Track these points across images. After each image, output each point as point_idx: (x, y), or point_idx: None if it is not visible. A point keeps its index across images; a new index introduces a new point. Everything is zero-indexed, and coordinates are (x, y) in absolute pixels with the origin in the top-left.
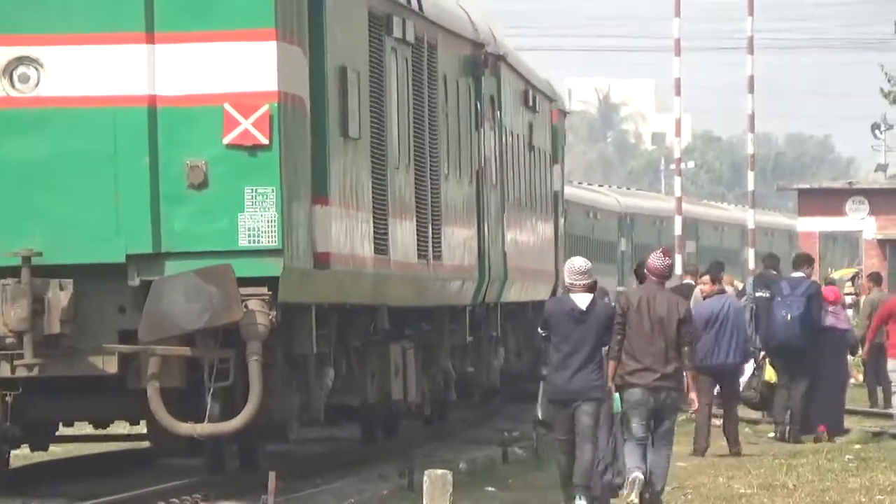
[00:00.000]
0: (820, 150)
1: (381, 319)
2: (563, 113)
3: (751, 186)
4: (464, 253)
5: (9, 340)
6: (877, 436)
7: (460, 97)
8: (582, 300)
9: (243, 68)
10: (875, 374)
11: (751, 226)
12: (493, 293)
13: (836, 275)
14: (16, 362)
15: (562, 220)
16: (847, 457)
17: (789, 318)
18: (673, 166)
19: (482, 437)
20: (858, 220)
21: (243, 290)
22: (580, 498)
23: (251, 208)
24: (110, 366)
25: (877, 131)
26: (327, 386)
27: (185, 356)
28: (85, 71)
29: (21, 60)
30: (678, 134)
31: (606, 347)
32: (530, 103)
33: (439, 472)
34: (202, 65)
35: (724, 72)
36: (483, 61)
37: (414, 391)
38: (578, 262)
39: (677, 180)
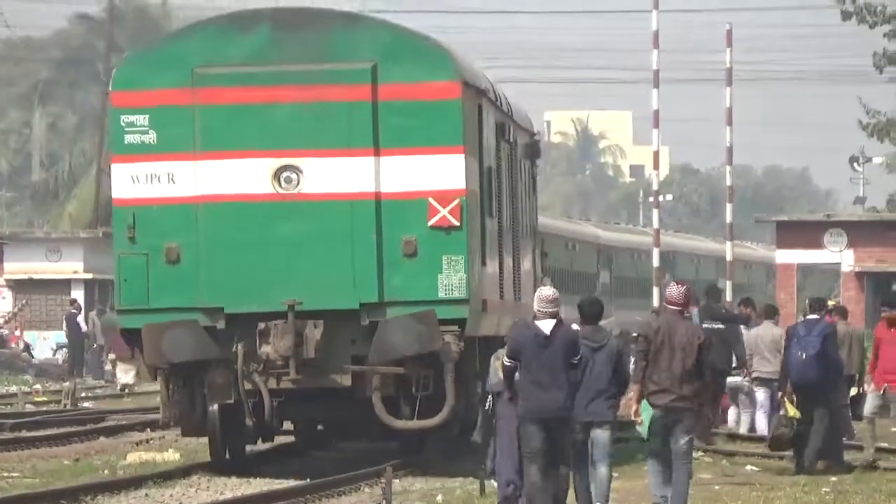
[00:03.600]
0: (798, 183)
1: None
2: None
3: (729, 219)
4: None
5: (279, 363)
6: (854, 468)
7: (525, 175)
8: (546, 326)
9: (442, 173)
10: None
11: (728, 258)
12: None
13: None
14: (282, 378)
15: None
16: (824, 489)
17: (804, 357)
18: (651, 199)
19: (459, 470)
20: (836, 253)
21: (442, 328)
22: None
23: (447, 270)
24: (346, 381)
25: (855, 164)
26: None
27: (399, 373)
28: (331, 175)
29: (286, 168)
30: (656, 166)
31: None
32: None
33: None
34: (413, 170)
35: (703, 104)
36: (537, 149)
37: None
38: (547, 291)
39: (655, 213)
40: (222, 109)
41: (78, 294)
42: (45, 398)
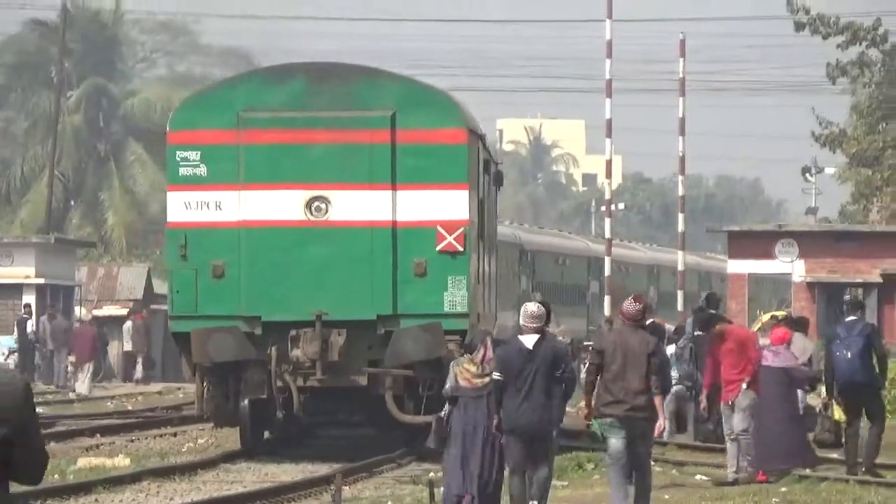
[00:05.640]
0: (750, 193)
1: None
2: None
3: (681, 228)
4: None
5: (307, 364)
6: (804, 478)
7: (494, 201)
8: (529, 340)
9: (449, 206)
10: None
11: (680, 268)
12: None
13: (764, 317)
14: (309, 378)
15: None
16: (773, 500)
17: (849, 356)
18: (603, 208)
19: (408, 475)
20: (788, 263)
21: (446, 337)
22: None
23: (451, 288)
24: (363, 381)
25: (807, 174)
26: None
27: (409, 375)
28: (355, 205)
29: (316, 199)
30: (609, 175)
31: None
32: (497, 181)
33: None
34: (424, 203)
35: (656, 113)
36: (501, 177)
37: None
38: (532, 307)
39: (607, 222)
40: (263, 148)
41: (30, 298)
42: None
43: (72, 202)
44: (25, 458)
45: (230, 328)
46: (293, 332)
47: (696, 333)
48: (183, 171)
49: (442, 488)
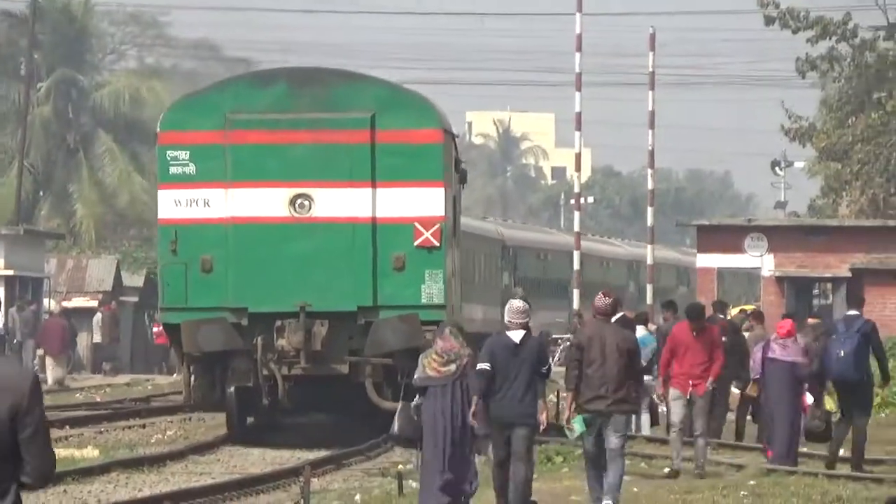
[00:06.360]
0: (720, 187)
1: None
2: None
3: (650, 222)
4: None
5: (291, 354)
6: (772, 471)
7: (461, 198)
8: (516, 336)
9: (426, 203)
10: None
11: (650, 261)
12: None
13: (733, 311)
14: (294, 366)
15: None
16: (742, 493)
17: (843, 353)
18: (573, 201)
19: (377, 468)
20: (757, 257)
21: (424, 328)
22: None
23: (429, 281)
24: (344, 369)
25: (777, 168)
26: None
27: (388, 364)
28: (337, 202)
29: (300, 196)
30: (578, 169)
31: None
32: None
33: (335, 503)
34: (402, 200)
35: (626, 107)
36: (465, 175)
37: None
38: (517, 303)
39: (576, 215)
40: (249, 148)
41: None
42: None
43: (41, 193)
44: (34, 456)
45: (218, 319)
46: (278, 323)
47: None
48: (173, 169)
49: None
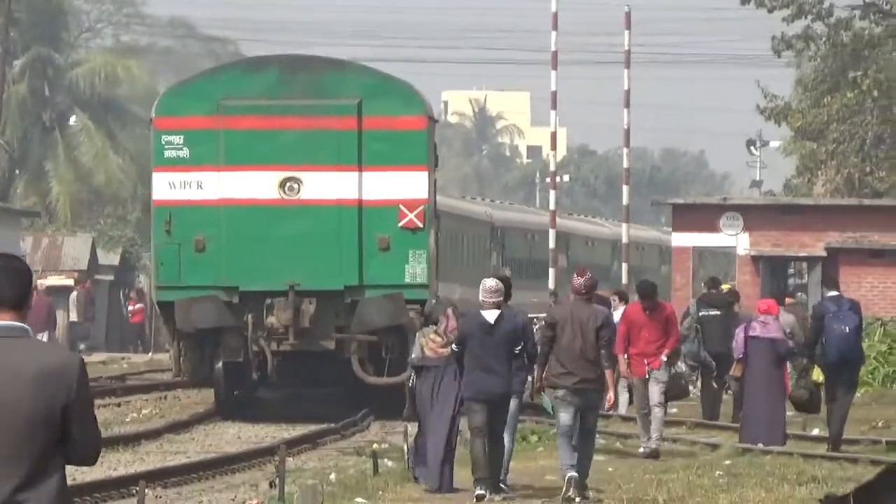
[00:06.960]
0: (695, 166)
1: None
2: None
3: (625, 201)
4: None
5: (280, 330)
6: (746, 451)
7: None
8: (490, 315)
9: (410, 186)
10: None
11: (625, 240)
12: None
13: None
14: (282, 343)
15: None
16: (717, 472)
17: (847, 330)
18: (548, 180)
19: (352, 447)
20: (732, 236)
21: (407, 306)
22: (480, 488)
23: (412, 261)
24: (331, 345)
25: (752, 148)
26: None
27: (373, 340)
28: (325, 185)
29: (290, 179)
30: (554, 147)
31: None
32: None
33: (310, 482)
34: (388, 183)
35: (601, 86)
36: (438, 158)
37: None
38: (490, 282)
39: (552, 194)
40: (241, 133)
41: None
42: None
43: (17, 172)
44: (82, 437)
45: (210, 297)
46: (268, 301)
47: (700, 314)
48: (167, 153)
49: (413, 442)
